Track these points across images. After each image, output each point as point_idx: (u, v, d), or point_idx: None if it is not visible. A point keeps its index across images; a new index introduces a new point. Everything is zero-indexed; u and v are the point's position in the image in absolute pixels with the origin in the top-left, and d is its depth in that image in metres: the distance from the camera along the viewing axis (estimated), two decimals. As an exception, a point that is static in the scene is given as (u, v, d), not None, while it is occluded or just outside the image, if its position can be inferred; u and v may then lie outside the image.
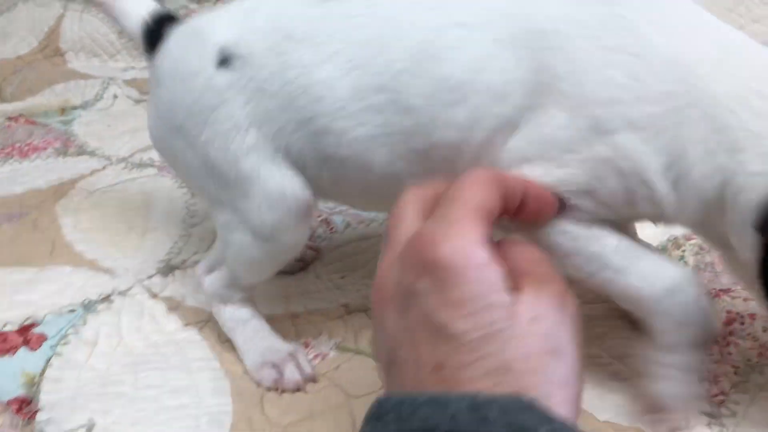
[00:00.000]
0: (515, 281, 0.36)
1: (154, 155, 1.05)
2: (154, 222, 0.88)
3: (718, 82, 0.47)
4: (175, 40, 0.63)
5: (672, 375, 0.52)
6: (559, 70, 0.49)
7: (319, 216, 0.85)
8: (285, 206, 0.59)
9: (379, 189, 0.58)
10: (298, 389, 0.61)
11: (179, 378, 0.63)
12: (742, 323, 0.64)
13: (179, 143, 0.62)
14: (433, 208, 0.40)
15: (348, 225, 0.84)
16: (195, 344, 0.67)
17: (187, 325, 0.70)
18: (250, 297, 0.68)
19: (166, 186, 0.96)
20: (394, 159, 0.55)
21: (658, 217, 0.52)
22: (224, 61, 0.58)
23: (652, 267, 0.51)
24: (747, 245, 0.47)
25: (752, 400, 0.56)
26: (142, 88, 1.30)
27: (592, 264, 0.51)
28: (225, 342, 0.67)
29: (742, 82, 0.47)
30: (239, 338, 0.66)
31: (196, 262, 0.80)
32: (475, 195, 0.39)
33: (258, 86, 0.58)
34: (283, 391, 0.61)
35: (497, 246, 0.39)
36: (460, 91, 0.51)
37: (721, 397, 0.56)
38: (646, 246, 0.55)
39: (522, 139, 0.51)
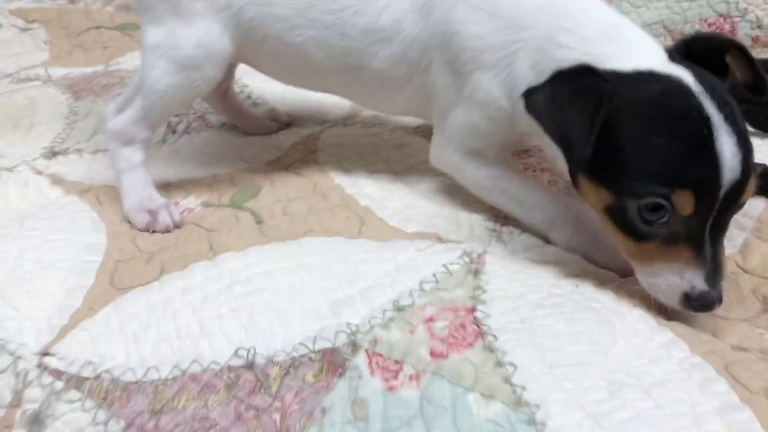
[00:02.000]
0: None
1: (40, 72, 1.12)
2: (38, 119, 0.96)
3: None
4: None
5: None
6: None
7: (195, 113, 0.96)
8: (213, 50, 0.74)
9: (305, 71, 0.77)
10: (167, 231, 0.72)
11: (62, 223, 0.72)
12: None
13: None
14: None
15: (223, 124, 0.96)
16: (76, 204, 0.77)
17: (68, 194, 0.79)
18: (147, 144, 0.77)
19: (51, 93, 1.03)
20: (327, 59, 0.75)
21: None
22: None
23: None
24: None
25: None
26: (28, 17, 1.35)
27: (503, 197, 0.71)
28: (103, 203, 0.77)
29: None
30: (125, 181, 0.75)
31: (79, 150, 0.89)
32: None
33: None
34: (154, 231, 0.72)
35: None
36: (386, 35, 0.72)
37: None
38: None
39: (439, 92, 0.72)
